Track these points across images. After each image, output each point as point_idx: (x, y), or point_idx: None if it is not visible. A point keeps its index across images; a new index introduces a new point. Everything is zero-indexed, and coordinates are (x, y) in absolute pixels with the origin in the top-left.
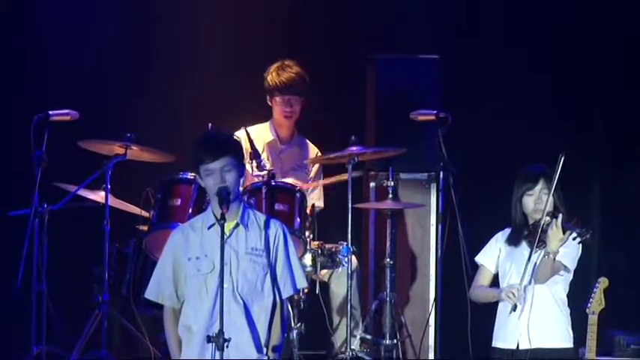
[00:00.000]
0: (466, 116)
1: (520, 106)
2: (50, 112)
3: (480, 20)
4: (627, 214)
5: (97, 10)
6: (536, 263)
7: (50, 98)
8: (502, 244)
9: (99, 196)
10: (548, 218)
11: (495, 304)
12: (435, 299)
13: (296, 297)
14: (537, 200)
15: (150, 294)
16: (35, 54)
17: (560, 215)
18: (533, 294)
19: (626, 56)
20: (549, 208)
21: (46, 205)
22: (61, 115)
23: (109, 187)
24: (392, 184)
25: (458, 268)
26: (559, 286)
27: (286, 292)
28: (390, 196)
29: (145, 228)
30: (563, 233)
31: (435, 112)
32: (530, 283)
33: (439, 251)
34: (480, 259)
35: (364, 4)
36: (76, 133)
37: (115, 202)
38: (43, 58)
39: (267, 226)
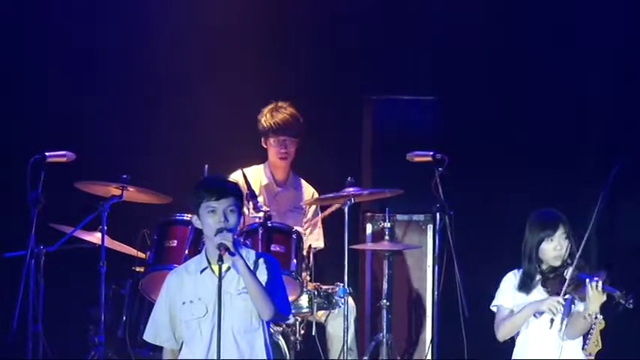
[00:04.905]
0: (463, 157)
1: (517, 148)
2: (47, 154)
3: (477, 61)
4: (625, 254)
5: (96, 52)
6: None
7: (47, 139)
8: (515, 287)
9: (95, 237)
10: (573, 269)
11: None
12: (432, 341)
13: (292, 338)
14: (557, 246)
15: (148, 336)
16: (33, 95)
17: (599, 279)
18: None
19: (626, 98)
20: (567, 254)
21: (42, 247)
22: (58, 156)
23: (105, 228)
24: (388, 225)
25: (455, 309)
26: None
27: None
28: (387, 237)
29: (142, 269)
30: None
31: (431, 153)
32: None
33: (436, 292)
34: (497, 302)
35: (361, 44)
36: (72, 174)
37: (111, 243)
38: (42, 99)
39: (256, 259)
